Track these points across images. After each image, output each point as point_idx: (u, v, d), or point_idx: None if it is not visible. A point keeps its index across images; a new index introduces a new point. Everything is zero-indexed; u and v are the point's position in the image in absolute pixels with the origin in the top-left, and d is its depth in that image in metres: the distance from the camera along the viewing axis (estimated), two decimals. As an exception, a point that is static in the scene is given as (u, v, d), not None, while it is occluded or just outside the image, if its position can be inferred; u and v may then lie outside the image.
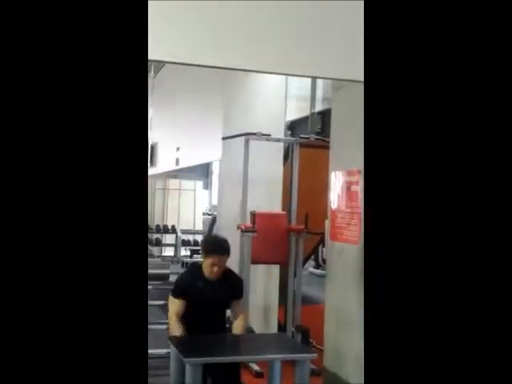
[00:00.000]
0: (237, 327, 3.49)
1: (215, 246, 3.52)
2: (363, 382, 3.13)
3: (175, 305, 3.50)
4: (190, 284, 3.50)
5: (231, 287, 3.53)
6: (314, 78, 5.80)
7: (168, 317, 3.52)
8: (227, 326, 3.66)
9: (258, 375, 4.14)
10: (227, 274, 3.53)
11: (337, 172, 3.53)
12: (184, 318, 3.50)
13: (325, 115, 5.75)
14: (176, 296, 3.51)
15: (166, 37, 2.31)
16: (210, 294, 3.43)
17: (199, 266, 3.53)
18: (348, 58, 2.65)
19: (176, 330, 3.36)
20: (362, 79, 2.07)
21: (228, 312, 3.69)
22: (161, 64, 8.58)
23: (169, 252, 11.06)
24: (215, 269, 3.41)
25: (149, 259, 5.23)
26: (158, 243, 10.43)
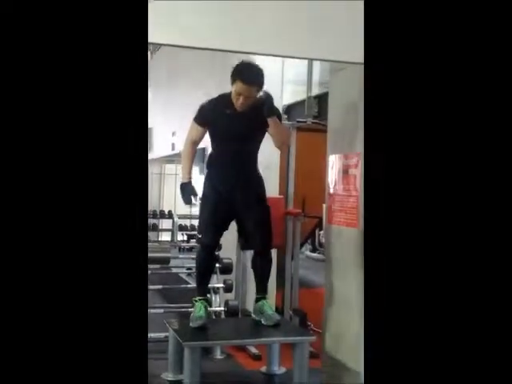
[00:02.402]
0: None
1: (242, 71, 3.02)
2: (361, 364, 3.15)
3: (194, 130, 3.14)
4: (216, 110, 3.11)
5: (260, 113, 3.06)
6: (310, 61, 5.75)
7: (183, 146, 3.18)
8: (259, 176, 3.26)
9: (257, 358, 4.16)
10: (257, 104, 3.04)
11: (334, 155, 3.52)
12: (209, 156, 3.20)
13: (321, 99, 5.72)
14: (197, 121, 3.14)
15: (162, 18, 2.29)
16: (238, 126, 3.07)
17: (229, 94, 3.11)
18: (346, 39, 2.63)
19: (186, 168, 3.07)
20: (360, 61, 2.06)
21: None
22: (156, 47, 8.51)
23: (165, 237, 11.05)
24: (240, 99, 3.02)
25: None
26: (155, 228, 10.43)
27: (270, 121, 3.12)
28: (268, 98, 3.07)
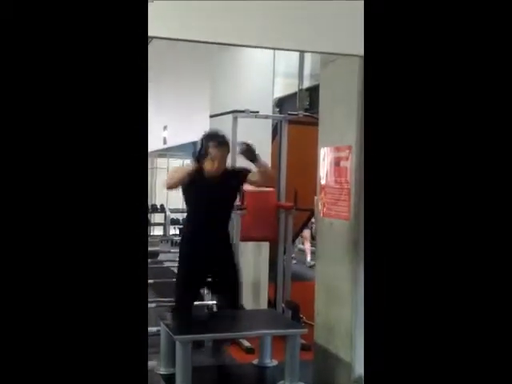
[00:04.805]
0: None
1: (213, 137, 3.43)
2: (353, 355, 3.17)
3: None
4: (194, 180, 3.39)
5: (235, 178, 3.53)
6: (302, 53, 5.75)
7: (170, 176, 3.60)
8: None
9: (249, 351, 4.17)
10: (229, 171, 3.51)
11: (326, 148, 3.52)
12: (185, 223, 3.64)
13: (313, 91, 5.73)
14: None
15: (152, 11, 2.26)
16: (213, 193, 3.39)
17: (202, 169, 3.44)
18: (337, 31, 2.62)
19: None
20: (352, 52, 2.05)
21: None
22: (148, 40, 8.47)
23: (158, 231, 11.04)
24: (215, 164, 3.36)
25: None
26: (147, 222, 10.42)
27: (256, 164, 3.48)
28: (250, 146, 3.50)
